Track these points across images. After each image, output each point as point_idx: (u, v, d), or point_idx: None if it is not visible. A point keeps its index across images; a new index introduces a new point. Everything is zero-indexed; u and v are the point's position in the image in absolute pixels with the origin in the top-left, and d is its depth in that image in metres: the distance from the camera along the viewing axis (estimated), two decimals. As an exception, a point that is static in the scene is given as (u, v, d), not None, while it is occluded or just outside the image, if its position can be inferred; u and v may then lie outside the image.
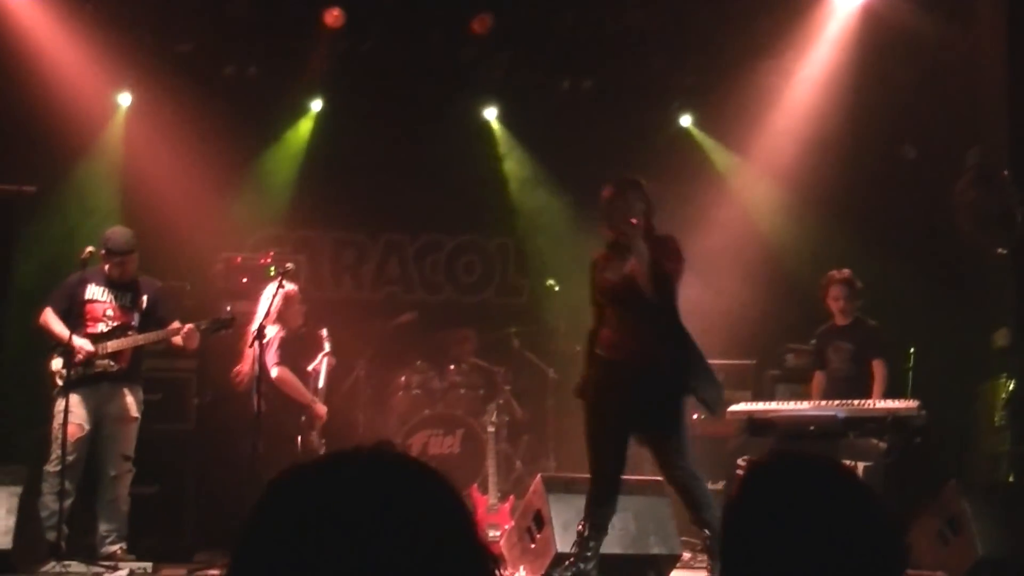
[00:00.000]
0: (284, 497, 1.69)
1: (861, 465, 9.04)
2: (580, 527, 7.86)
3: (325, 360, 10.29)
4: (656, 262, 7.58)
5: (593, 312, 8.05)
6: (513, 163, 13.24)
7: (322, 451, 10.00)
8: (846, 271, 10.33)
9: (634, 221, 7.57)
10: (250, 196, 12.39)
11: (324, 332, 10.36)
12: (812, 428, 9.50)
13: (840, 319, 10.33)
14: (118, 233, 9.50)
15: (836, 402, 9.59)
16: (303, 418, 10.07)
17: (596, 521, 7.85)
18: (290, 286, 9.97)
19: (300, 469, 1.72)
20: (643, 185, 7.98)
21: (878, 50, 12.04)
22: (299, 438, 10.09)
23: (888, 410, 9.26)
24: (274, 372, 9.91)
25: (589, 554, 7.76)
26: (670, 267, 7.72)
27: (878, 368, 10.08)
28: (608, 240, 7.99)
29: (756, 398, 10.77)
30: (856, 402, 9.43)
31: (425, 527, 1.64)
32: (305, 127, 12.85)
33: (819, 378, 10.45)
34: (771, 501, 2.32)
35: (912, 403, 9.27)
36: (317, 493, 1.67)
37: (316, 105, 12.79)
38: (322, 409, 10.07)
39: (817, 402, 9.85)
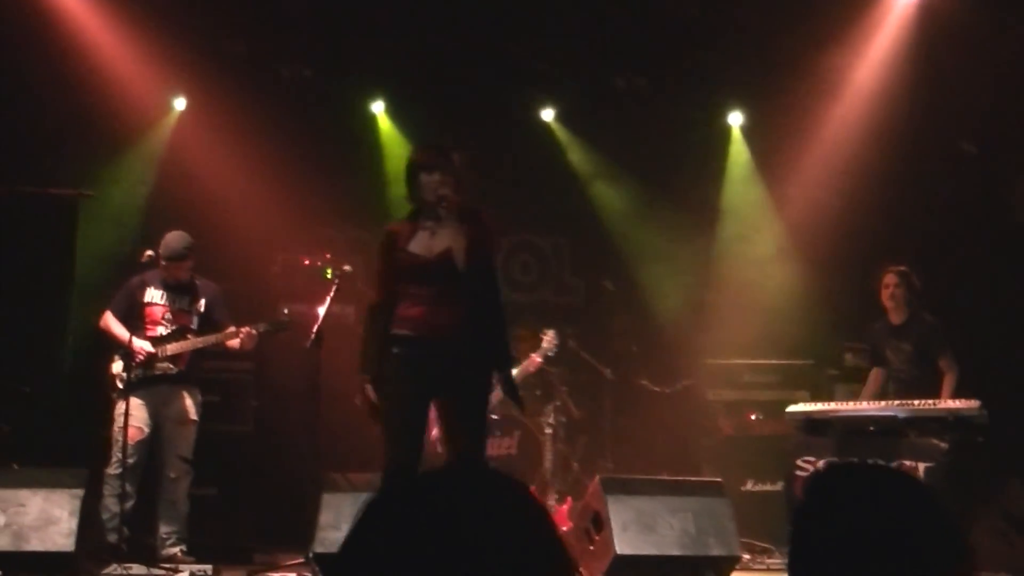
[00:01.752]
0: (379, 515, 1.72)
1: (922, 466, 8.91)
2: None
3: (532, 361, 10.34)
4: (472, 240, 7.13)
5: (381, 287, 7.34)
6: (568, 162, 13.22)
7: None
8: (902, 266, 10.18)
9: (446, 194, 7.14)
10: (304, 197, 12.42)
11: (550, 334, 10.43)
12: (872, 428, 9.42)
13: (895, 316, 10.12)
14: (171, 239, 9.54)
15: (896, 402, 9.49)
16: None
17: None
18: None
19: (395, 487, 1.75)
20: (454, 154, 7.46)
21: (936, 46, 11.92)
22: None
23: (949, 410, 9.15)
24: None
25: None
26: (486, 244, 7.27)
27: (945, 366, 9.87)
28: (413, 209, 7.39)
29: (814, 398, 10.69)
30: (917, 402, 9.31)
31: (517, 542, 1.67)
32: (357, 127, 12.87)
33: (876, 375, 10.26)
34: (837, 509, 2.32)
35: (973, 402, 9.13)
36: (412, 511, 1.70)
37: (378, 107, 12.84)
38: None
39: (876, 402, 9.75)
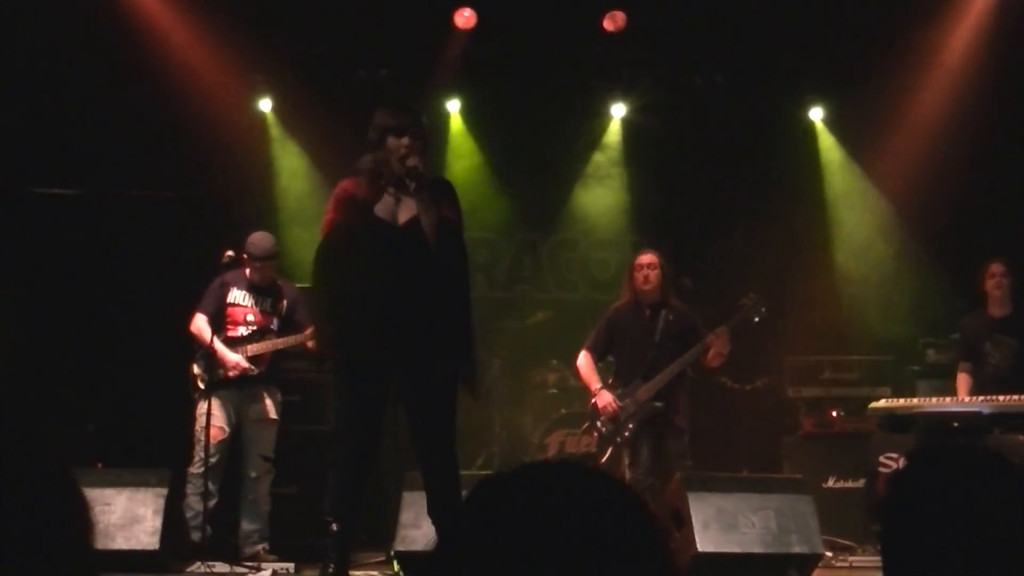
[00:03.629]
0: (486, 505, 1.70)
1: (1007, 462, 8.75)
2: (332, 523, 7.02)
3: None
4: (442, 212, 6.70)
5: (339, 254, 6.84)
6: (645, 160, 13.17)
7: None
8: (1006, 257, 9.95)
9: (416, 165, 6.65)
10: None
11: (752, 297, 9.72)
12: (955, 424, 9.28)
13: (998, 308, 9.88)
14: (260, 238, 9.62)
15: (980, 398, 9.35)
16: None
17: (340, 515, 7.00)
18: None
19: (500, 478, 1.73)
20: (422, 116, 7.00)
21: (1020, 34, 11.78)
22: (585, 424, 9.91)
23: (1035, 405, 9.02)
24: (581, 358, 9.85)
25: (335, 554, 7.04)
26: (451, 216, 6.79)
27: None
28: (367, 171, 6.91)
29: (896, 394, 10.58)
30: (1002, 397, 9.17)
31: (623, 544, 1.64)
32: (436, 128, 12.85)
33: (966, 372, 10.06)
34: (934, 493, 2.27)
35: (1062, 398, 9.01)
36: (524, 502, 1.67)
37: (453, 106, 12.84)
38: (600, 400, 9.50)
39: (960, 397, 9.62)
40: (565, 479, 1.70)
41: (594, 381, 9.65)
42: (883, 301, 12.19)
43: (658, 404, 9.45)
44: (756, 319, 9.72)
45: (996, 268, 9.80)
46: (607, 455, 9.75)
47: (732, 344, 9.53)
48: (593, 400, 9.63)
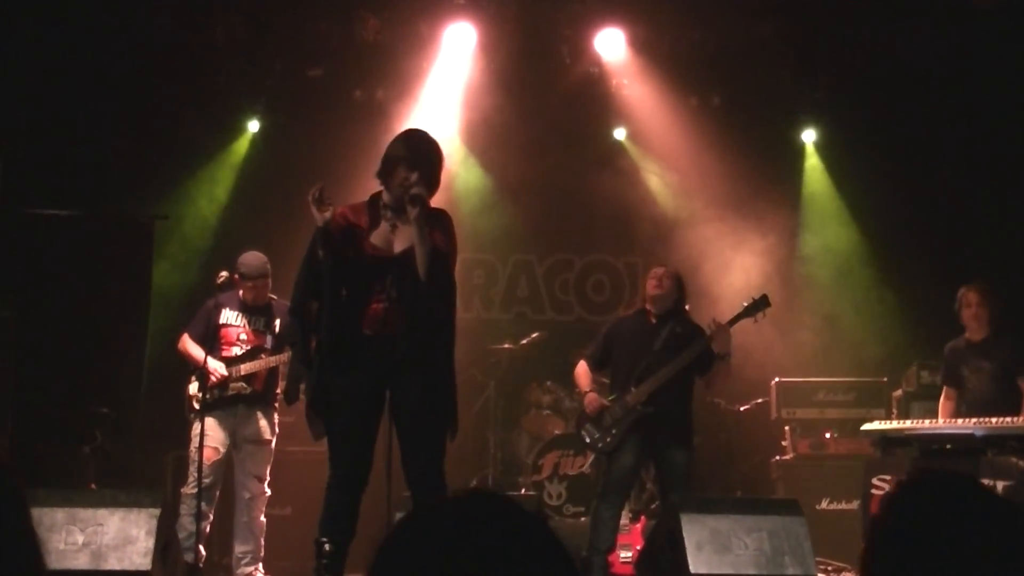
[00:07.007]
0: (409, 538, 1.76)
1: (1000, 484, 8.74)
2: (325, 543, 6.98)
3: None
4: (435, 244, 6.62)
5: (338, 281, 6.80)
6: (642, 182, 13.20)
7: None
8: (981, 283, 9.94)
9: (420, 192, 6.54)
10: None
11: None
12: (949, 446, 9.27)
13: (975, 333, 9.80)
14: (251, 258, 9.60)
15: (973, 420, 9.34)
16: None
17: (334, 535, 6.99)
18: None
19: (424, 512, 1.80)
20: (440, 152, 6.87)
21: (1010, 56, 11.82)
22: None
23: (1028, 427, 9.01)
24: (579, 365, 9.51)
25: (328, 575, 6.94)
26: (442, 246, 6.69)
27: None
28: (371, 196, 6.91)
29: (889, 416, 10.59)
30: (995, 419, 9.14)
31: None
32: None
33: (949, 396, 9.98)
34: (917, 520, 2.28)
35: (1054, 420, 9.00)
36: (442, 537, 1.73)
37: (451, 127, 12.88)
38: (587, 399, 9.16)
39: (953, 420, 9.60)
40: (474, 511, 1.77)
41: (585, 384, 9.30)
42: (877, 323, 12.19)
43: (648, 409, 8.92)
44: (755, 319, 9.26)
45: (972, 298, 9.69)
46: (589, 461, 9.74)
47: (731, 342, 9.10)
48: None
